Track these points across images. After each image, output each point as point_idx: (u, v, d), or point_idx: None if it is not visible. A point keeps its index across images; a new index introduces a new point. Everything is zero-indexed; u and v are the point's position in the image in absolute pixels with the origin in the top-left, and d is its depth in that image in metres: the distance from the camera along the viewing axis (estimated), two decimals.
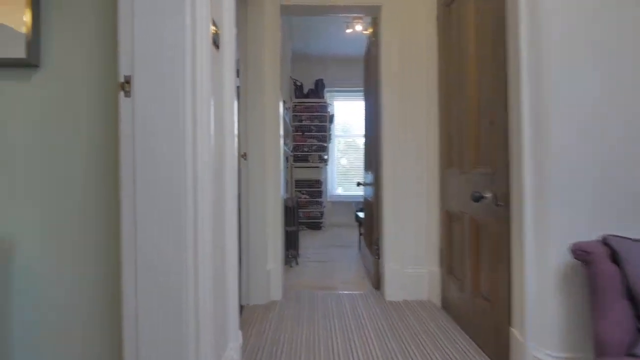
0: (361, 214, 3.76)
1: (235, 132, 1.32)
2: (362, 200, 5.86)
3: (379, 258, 2.52)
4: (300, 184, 5.50)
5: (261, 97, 2.30)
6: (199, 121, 0.88)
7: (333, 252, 3.80)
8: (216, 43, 1.12)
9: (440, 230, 2.23)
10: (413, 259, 2.34)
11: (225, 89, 1.24)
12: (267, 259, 2.29)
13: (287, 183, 4.51)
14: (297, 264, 3.22)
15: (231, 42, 1.25)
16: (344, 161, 6.19)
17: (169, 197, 0.84)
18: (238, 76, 2.28)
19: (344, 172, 6.16)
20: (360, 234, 3.79)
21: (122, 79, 0.79)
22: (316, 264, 3.24)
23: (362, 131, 6.47)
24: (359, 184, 3.11)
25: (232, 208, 1.29)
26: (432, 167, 2.31)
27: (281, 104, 2.44)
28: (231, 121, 1.27)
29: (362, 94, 6.24)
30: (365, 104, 3.31)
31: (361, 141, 6.15)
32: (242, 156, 2.26)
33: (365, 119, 3.30)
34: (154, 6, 0.80)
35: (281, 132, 2.43)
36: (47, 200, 1.06)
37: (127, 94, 0.79)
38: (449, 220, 2.09)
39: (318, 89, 5.89)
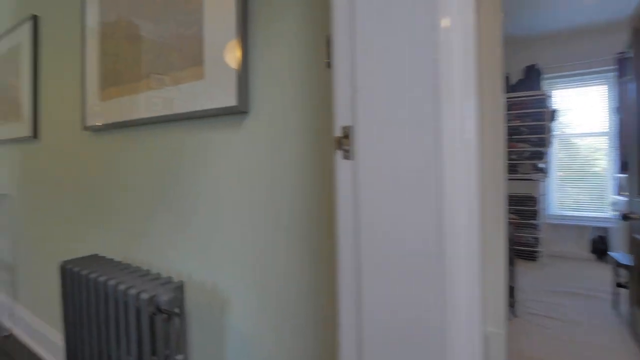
0: (619, 256, 2.57)
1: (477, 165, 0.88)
2: (601, 225, 4.21)
3: None
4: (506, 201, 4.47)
5: (478, 96, 1.76)
6: (456, 183, 0.50)
7: (566, 303, 2.77)
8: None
9: None
10: None
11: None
12: (484, 319, 1.73)
13: None
14: (514, 315, 2.47)
15: (470, 41, 0.82)
16: (568, 165, 4.69)
17: (411, 293, 0.51)
18: None
19: (564, 182, 4.66)
20: (619, 285, 2.61)
21: (338, 132, 0.51)
22: (545, 322, 2.39)
23: (590, 128, 4.71)
24: (625, 217, 2.06)
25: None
26: None
27: (502, 102, 1.82)
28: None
29: (592, 77, 4.54)
30: (637, 87, 2.19)
31: (583, 142, 4.49)
32: None
33: (629, 116, 2.19)
34: (385, 22, 0.48)
35: (503, 137, 1.81)
36: (253, 258, 0.94)
37: (347, 154, 0.50)
38: None
39: (531, 78, 4.66)
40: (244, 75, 0.92)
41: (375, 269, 0.53)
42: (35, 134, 1.88)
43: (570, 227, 4.45)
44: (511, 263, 2.60)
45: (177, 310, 0.91)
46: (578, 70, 4.53)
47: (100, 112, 1.40)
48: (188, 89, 1.06)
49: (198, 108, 1.02)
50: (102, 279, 0.95)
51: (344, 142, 0.51)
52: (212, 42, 0.98)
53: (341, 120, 0.51)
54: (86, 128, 1.47)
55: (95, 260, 1.16)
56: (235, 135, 0.96)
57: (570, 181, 4.65)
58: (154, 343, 0.86)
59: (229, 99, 0.93)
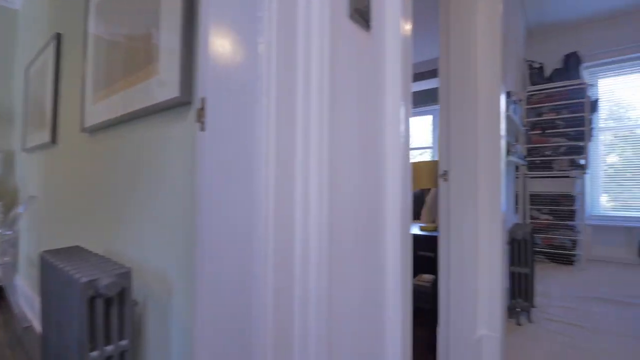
0: None
1: (406, 157, 0.83)
2: None
3: None
4: (538, 200, 4.15)
5: (472, 93, 1.66)
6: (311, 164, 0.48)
7: (599, 309, 2.50)
8: (364, 17, 0.69)
9: None
10: None
11: (387, 95, 0.78)
12: (477, 321, 1.62)
13: (516, 201, 3.45)
14: (529, 320, 2.27)
15: (395, 15, 0.78)
16: (611, 160, 4.24)
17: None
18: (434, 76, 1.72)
19: (607, 179, 4.21)
20: None
21: (198, 105, 0.51)
22: (565, 328, 2.17)
23: None
24: None
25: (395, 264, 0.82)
26: None
27: (502, 101, 1.70)
28: (399, 143, 0.80)
29: None
30: None
31: (633, 134, 4.01)
32: (442, 176, 1.71)
33: None
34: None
35: (502, 136, 1.69)
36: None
37: (202, 126, 0.50)
38: None
39: (569, 68, 4.29)
40: (187, 67, 0.95)
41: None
42: (53, 139, 2.08)
43: (616, 229, 4.01)
44: (531, 266, 2.40)
45: (119, 294, 0.96)
46: (625, 55, 4.11)
47: (92, 115, 1.52)
48: (145, 86, 1.12)
49: (149, 103, 1.07)
50: (60, 265, 1.03)
51: (200, 113, 0.51)
52: (166, 41, 1.03)
53: (200, 92, 0.52)
54: (83, 130, 1.60)
55: (72, 251, 1.25)
56: (182, 126, 1.00)
57: (618, 178, 4.20)
58: (93, 327, 0.91)
59: (173, 91, 0.97)
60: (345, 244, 0.62)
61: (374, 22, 0.73)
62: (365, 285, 0.70)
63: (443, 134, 1.71)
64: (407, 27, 0.82)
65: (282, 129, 0.46)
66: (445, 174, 1.69)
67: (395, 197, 0.77)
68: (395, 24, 0.79)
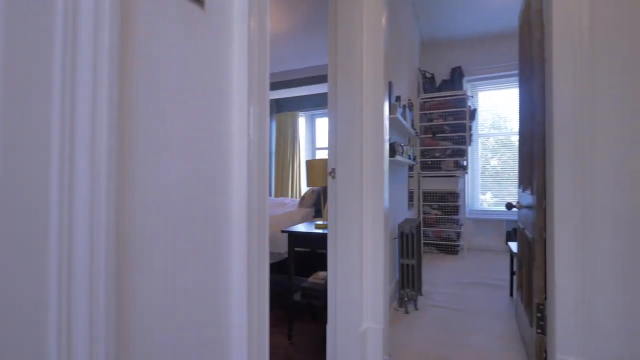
0: (514, 245, 2.68)
1: (258, 156, 0.78)
2: (516, 220, 4.47)
3: (543, 334, 1.57)
4: (429, 197, 4.60)
5: (357, 99, 1.71)
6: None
7: (472, 293, 2.84)
8: None
9: None
10: (625, 348, 1.31)
11: (234, 90, 0.72)
12: (362, 314, 1.67)
13: (410, 199, 3.75)
14: (416, 308, 2.46)
15: (242, 5, 0.72)
16: (494, 162, 4.92)
17: None
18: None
19: (490, 179, 4.89)
20: (513, 273, 2.72)
21: None
22: (445, 312, 2.41)
23: (511, 127, 5.03)
24: (510, 206, 2.13)
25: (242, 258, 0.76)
26: None
27: (386, 106, 1.80)
28: (249, 142, 0.74)
29: (511, 79, 4.85)
30: (521, 91, 2.29)
31: (517, 139, 4.77)
32: (330, 174, 1.72)
33: (520, 113, 2.28)
34: None
35: (386, 139, 1.79)
36: None
37: None
38: None
39: (454, 80, 4.85)
40: None
41: None
42: None
43: (489, 222, 4.66)
44: (418, 258, 2.61)
45: None
46: (495, 73, 4.78)
47: None
48: None
49: None
50: None
51: None
52: None
53: None
54: None
55: None
56: None
57: (498, 178, 4.88)
58: None
59: None
60: (162, 250, 0.53)
61: (209, 1, 0.66)
62: (200, 300, 0.62)
63: (331, 134, 1.73)
64: (260, 21, 0.77)
65: (17, 104, 0.35)
66: (333, 171, 1.71)
67: (242, 199, 0.70)
68: (243, 15, 0.73)
